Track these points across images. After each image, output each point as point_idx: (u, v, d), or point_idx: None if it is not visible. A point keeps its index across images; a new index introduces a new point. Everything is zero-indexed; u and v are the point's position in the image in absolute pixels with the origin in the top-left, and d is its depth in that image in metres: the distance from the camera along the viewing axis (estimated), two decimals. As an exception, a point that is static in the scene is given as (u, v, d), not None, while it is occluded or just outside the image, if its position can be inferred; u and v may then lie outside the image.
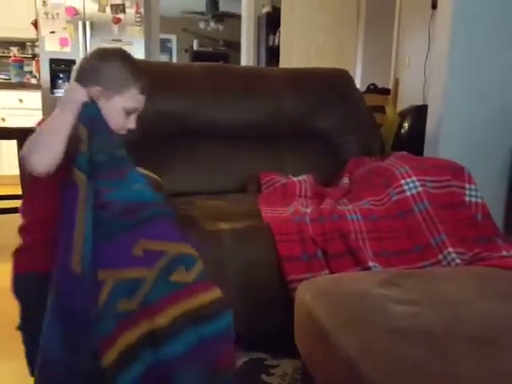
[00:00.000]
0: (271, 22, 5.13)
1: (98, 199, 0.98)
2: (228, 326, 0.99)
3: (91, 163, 0.98)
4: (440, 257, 1.53)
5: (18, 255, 1.13)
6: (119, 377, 0.91)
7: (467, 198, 1.68)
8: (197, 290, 0.99)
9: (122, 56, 1.13)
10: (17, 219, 3.04)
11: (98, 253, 0.96)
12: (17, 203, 3.01)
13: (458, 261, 1.50)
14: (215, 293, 1.00)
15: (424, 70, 3.35)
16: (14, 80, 4.87)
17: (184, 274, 1.00)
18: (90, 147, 0.99)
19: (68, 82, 4.43)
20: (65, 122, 0.99)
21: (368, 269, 1.44)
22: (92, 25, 4.33)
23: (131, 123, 1.12)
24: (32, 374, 1.08)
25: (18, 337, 1.70)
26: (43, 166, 0.95)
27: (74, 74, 1.10)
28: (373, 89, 3.45)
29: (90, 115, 1.02)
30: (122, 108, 1.09)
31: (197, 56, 7.89)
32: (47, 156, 0.95)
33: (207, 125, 2.11)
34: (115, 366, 0.92)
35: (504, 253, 1.57)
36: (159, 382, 0.93)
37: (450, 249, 1.53)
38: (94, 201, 0.97)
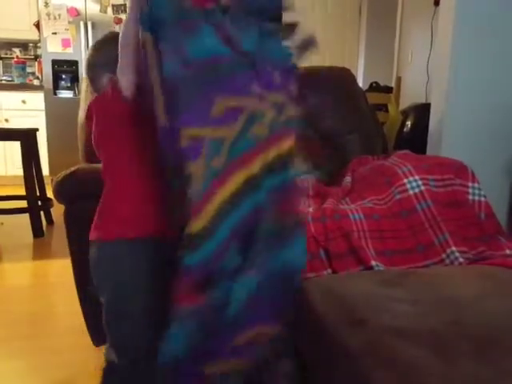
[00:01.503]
0: (273, 20, 5.12)
1: (175, 57, 0.89)
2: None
3: (155, 20, 0.88)
4: (443, 256, 1.53)
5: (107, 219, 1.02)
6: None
7: (470, 197, 1.67)
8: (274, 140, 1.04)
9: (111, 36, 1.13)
10: (20, 219, 3.07)
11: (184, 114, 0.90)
12: (20, 203, 3.05)
13: (461, 260, 1.50)
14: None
15: (427, 67, 3.34)
16: (16, 81, 4.89)
17: (262, 126, 1.02)
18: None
19: (70, 83, 4.44)
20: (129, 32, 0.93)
21: (370, 268, 1.44)
22: (94, 25, 4.34)
23: None
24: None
25: (18, 336, 1.72)
26: (129, 86, 0.93)
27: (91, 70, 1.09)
28: (375, 87, 3.45)
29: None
30: None
31: (199, 55, 7.88)
32: (128, 74, 0.93)
33: None
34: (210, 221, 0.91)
35: (507, 252, 1.56)
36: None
37: (453, 248, 1.53)
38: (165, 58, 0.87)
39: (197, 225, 0.89)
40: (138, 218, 1.00)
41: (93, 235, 1.03)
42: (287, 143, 1.07)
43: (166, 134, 0.89)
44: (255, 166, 0.99)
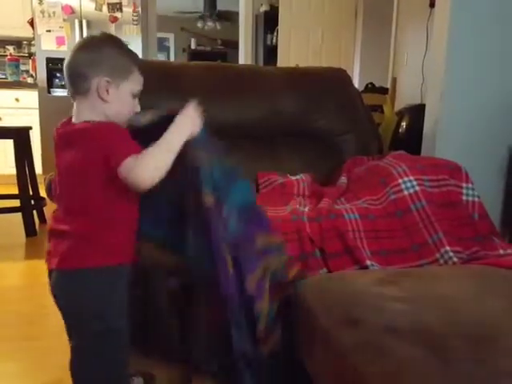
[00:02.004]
0: (269, 20, 5.12)
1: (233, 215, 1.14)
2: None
3: (218, 183, 1.10)
4: (437, 255, 1.53)
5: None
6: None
7: (464, 197, 1.68)
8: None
9: (113, 40, 1.12)
10: (13, 218, 3.03)
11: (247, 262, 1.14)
12: (13, 203, 3.02)
13: (455, 259, 1.51)
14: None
15: (422, 69, 3.36)
16: (10, 79, 4.85)
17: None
18: (215, 167, 1.11)
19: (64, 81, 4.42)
20: (180, 143, 1.03)
21: (365, 268, 1.44)
22: (89, 23, 4.32)
23: (137, 106, 1.12)
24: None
25: (11, 337, 1.71)
26: (151, 184, 0.97)
27: (70, 72, 1.06)
28: (371, 88, 3.46)
29: (203, 138, 1.11)
30: (129, 93, 1.09)
31: (194, 55, 7.89)
32: (159, 173, 0.97)
33: (204, 124, 2.10)
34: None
35: (501, 251, 1.57)
36: None
37: (447, 247, 1.53)
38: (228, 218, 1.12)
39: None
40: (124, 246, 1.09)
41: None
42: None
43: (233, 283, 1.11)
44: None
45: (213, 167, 1.11)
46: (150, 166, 0.97)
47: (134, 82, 1.10)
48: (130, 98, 1.09)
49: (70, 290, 1.02)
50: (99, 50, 1.07)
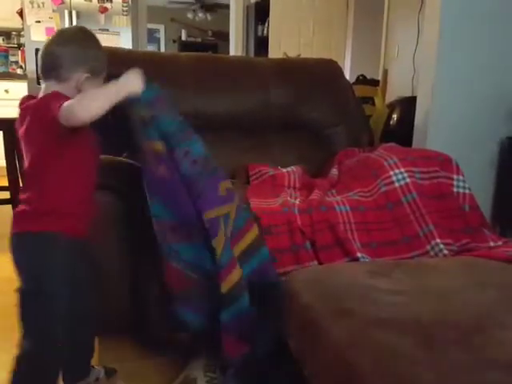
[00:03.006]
0: (260, 11, 5.08)
1: (187, 159, 1.26)
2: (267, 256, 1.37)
3: (166, 133, 1.22)
4: (428, 247, 1.54)
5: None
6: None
7: (455, 189, 1.69)
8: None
9: (95, 40, 1.20)
10: (2, 210, 2.98)
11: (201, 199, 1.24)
12: (3, 195, 2.99)
13: (445, 252, 1.51)
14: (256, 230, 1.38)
15: (413, 61, 3.35)
16: (-1, 69, 4.79)
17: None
18: (161, 121, 1.22)
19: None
20: (118, 95, 1.08)
21: (356, 260, 1.45)
22: (78, 14, 4.26)
23: None
24: None
25: (6, 328, 1.69)
26: (88, 116, 1.01)
27: (51, 62, 1.13)
28: (362, 80, 3.46)
29: (151, 96, 1.20)
30: (100, 85, 1.17)
31: (185, 46, 7.82)
32: (95, 109, 1.02)
33: (194, 116, 2.09)
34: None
35: (491, 243, 1.58)
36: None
37: (438, 240, 1.54)
38: (181, 161, 1.24)
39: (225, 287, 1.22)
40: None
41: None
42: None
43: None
44: (248, 238, 1.36)
45: (159, 119, 1.22)
46: (84, 100, 1.04)
47: (104, 76, 1.20)
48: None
49: (13, 251, 1.13)
50: (85, 49, 1.16)
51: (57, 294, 1.12)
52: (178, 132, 1.26)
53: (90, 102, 1.03)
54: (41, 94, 1.14)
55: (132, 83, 1.13)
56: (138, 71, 1.15)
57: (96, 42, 1.20)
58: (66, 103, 1.02)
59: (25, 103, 1.14)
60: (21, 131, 1.11)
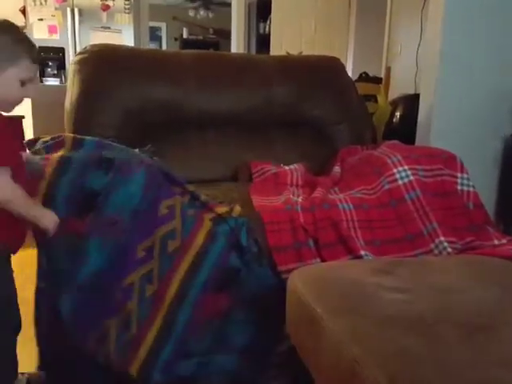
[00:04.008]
0: (262, 9, 5.08)
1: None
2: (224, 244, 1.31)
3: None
4: (431, 246, 1.53)
5: None
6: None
7: (459, 187, 1.68)
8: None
9: (10, 27, 1.12)
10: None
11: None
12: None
13: (449, 250, 1.50)
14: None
15: (416, 58, 3.34)
16: (1, 68, 4.78)
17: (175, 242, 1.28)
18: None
19: (56, 70, 4.36)
20: (22, 212, 1.09)
21: (359, 257, 1.44)
22: (81, 12, 4.26)
23: (28, 93, 1.13)
24: None
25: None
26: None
27: None
28: (364, 77, 3.44)
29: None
30: (17, 79, 1.09)
31: (187, 44, 7.81)
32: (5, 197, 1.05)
33: (197, 113, 2.09)
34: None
35: (495, 241, 1.57)
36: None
37: (442, 238, 1.53)
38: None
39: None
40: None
41: None
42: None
43: None
44: (193, 250, 1.29)
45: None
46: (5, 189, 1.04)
47: (23, 70, 1.10)
48: (17, 85, 1.10)
49: None
50: None
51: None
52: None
53: (9, 192, 1.04)
54: None
55: (44, 221, 1.12)
56: (56, 221, 1.14)
57: (8, 29, 1.11)
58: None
59: None
60: None
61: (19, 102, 1.13)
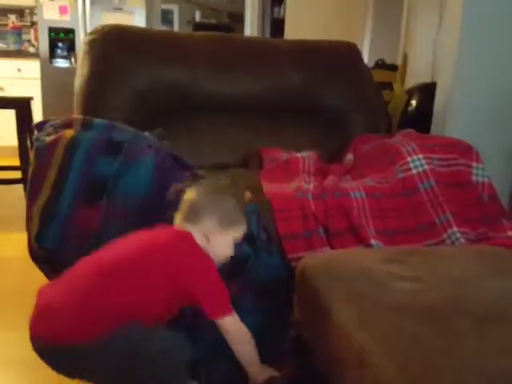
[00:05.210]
0: (277, -7, 5.00)
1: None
2: None
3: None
4: (444, 236, 1.51)
5: None
6: None
7: (474, 178, 1.64)
8: None
9: (234, 190, 1.17)
10: (14, 190, 3.01)
11: None
12: (15, 174, 3.00)
13: (462, 240, 1.48)
14: None
15: (434, 46, 3.27)
16: (12, 47, 4.78)
17: None
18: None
19: (67, 52, 4.33)
20: (247, 362, 1.08)
21: (370, 246, 1.42)
22: (92, -8, 4.22)
23: (233, 251, 1.14)
24: None
25: (10, 307, 1.71)
26: None
27: (189, 212, 1.09)
28: (381, 64, 3.38)
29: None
30: (233, 239, 1.12)
31: (199, 28, 7.71)
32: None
33: (207, 97, 2.05)
34: None
35: (509, 233, 1.55)
36: None
37: (455, 228, 1.51)
38: None
39: None
40: None
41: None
42: None
43: None
44: None
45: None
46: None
47: (239, 232, 1.14)
48: (231, 245, 1.13)
49: None
50: (221, 197, 1.13)
51: None
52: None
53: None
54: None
55: (257, 379, 1.08)
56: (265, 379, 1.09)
57: (225, 191, 1.15)
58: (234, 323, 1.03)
59: None
60: None
61: (225, 260, 1.14)
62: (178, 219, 1.10)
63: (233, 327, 1.04)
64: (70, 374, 0.99)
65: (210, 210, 1.09)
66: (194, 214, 1.09)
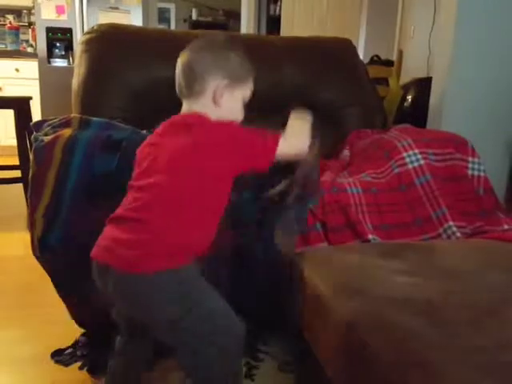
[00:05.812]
0: (273, -10, 5.00)
1: None
2: None
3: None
4: (440, 230, 1.52)
5: None
6: None
7: (470, 172, 1.66)
8: None
9: (236, 47, 1.12)
10: (14, 189, 3.02)
11: None
12: (14, 173, 3.01)
13: (458, 234, 1.49)
14: None
15: (429, 41, 3.28)
16: (9, 48, 4.78)
17: None
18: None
19: (64, 51, 4.33)
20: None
21: (367, 242, 1.43)
22: (89, -8, 4.22)
23: (242, 116, 1.11)
24: None
25: (12, 305, 1.72)
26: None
27: (187, 71, 1.04)
28: (376, 60, 3.39)
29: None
30: (241, 99, 1.09)
31: (196, 26, 7.71)
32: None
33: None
34: None
35: (505, 226, 1.56)
36: None
37: (451, 222, 1.52)
38: None
39: None
40: None
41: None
42: None
43: None
44: None
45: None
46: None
47: (247, 89, 1.10)
48: (240, 105, 1.09)
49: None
50: (225, 53, 1.07)
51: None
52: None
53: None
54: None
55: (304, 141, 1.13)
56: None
57: (237, 48, 1.12)
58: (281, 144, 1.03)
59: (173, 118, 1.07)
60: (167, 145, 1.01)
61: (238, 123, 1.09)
62: (184, 103, 1.06)
63: (287, 147, 1.07)
64: (129, 307, 0.97)
65: (214, 67, 1.04)
66: (200, 80, 1.03)
